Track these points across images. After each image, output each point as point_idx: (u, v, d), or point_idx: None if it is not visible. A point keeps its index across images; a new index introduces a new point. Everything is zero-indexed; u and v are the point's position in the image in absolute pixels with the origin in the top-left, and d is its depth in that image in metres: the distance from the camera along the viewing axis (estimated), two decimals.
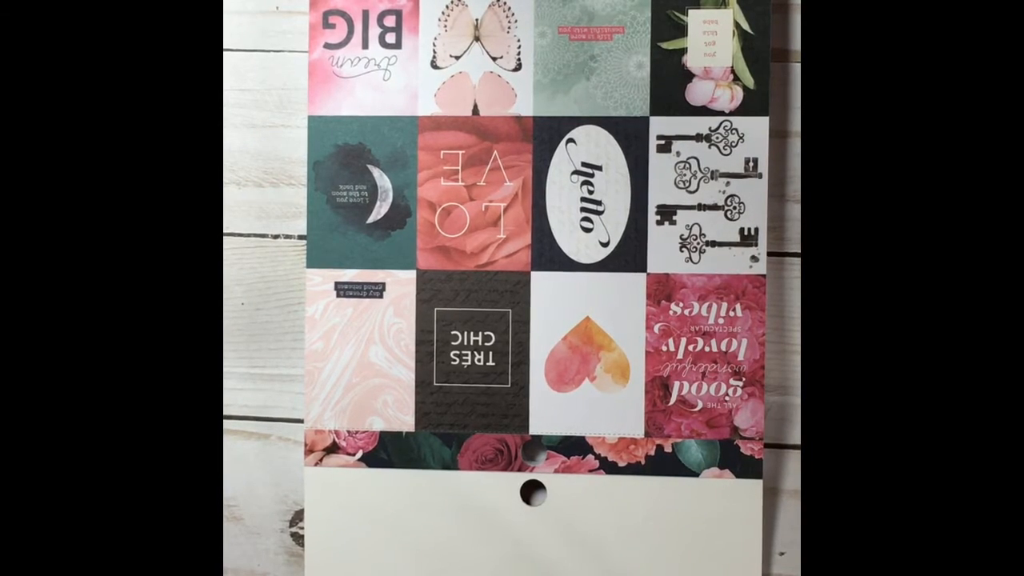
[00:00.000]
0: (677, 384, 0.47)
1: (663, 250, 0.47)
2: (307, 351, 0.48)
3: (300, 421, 0.50)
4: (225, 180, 0.50)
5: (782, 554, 0.49)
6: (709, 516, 0.47)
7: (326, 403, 0.48)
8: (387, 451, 0.48)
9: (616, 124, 0.47)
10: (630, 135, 0.47)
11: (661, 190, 0.47)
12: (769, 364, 0.48)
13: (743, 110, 0.46)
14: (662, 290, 0.47)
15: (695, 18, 0.46)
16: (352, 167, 0.48)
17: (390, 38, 0.48)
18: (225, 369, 0.50)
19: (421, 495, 0.47)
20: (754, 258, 0.46)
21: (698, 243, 0.47)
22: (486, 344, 0.47)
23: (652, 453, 0.47)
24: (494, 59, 0.47)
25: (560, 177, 0.47)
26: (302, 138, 0.49)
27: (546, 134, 0.47)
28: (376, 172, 0.48)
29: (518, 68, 0.47)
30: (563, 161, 0.47)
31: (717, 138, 0.46)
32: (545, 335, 0.47)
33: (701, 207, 0.47)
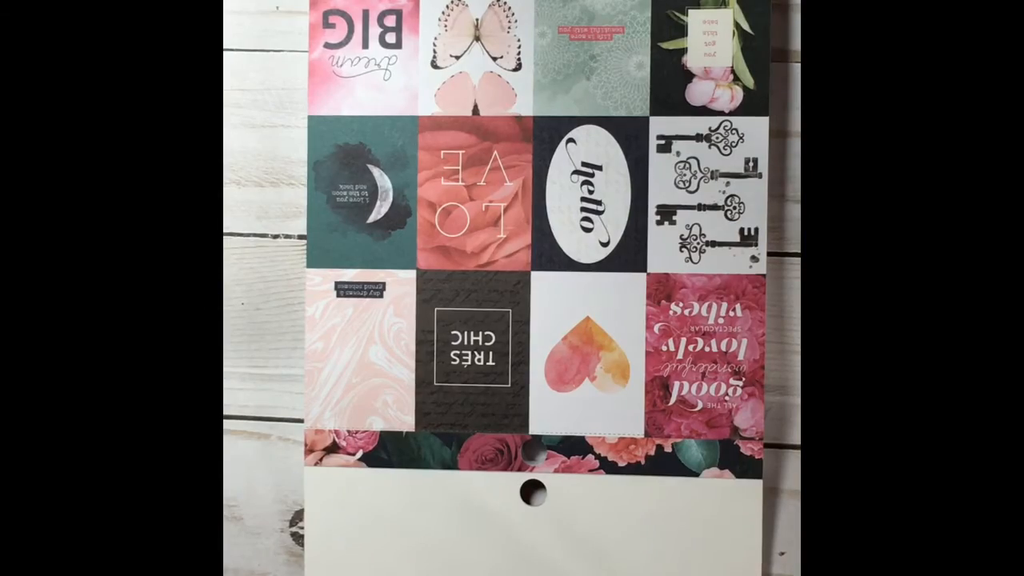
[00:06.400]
0: (677, 384, 0.47)
1: (663, 250, 0.47)
2: (307, 351, 0.48)
3: (300, 421, 0.50)
4: (225, 180, 0.50)
5: (782, 554, 0.49)
6: (709, 516, 0.47)
7: (326, 403, 0.48)
8: (387, 451, 0.48)
9: (616, 124, 0.47)
10: (630, 135, 0.47)
11: (661, 190, 0.47)
12: (769, 364, 0.48)
13: (743, 110, 0.46)
14: (662, 290, 0.47)
15: (695, 18, 0.46)
16: (352, 167, 0.48)
17: (390, 38, 0.48)
18: (225, 369, 0.50)
19: (421, 495, 0.47)
20: (754, 258, 0.46)
21: (698, 243, 0.47)
22: (486, 344, 0.47)
23: (652, 453, 0.47)
24: (494, 59, 0.47)
25: (560, 177, 0.47)
26: (302, 138, 0.49)
27: (546, 134, 0.47)
28: (376, 172, 0.48)
29: (518, 68, 0.47)
30: (563, 161, 0.47)
31: (717, 138, 0.46)
32: (545, 335, 0.47)
33: (701, 207, 0.47)
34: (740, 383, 0.47)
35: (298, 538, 0.50)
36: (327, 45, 0.48)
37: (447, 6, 0.47)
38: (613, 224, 0.47)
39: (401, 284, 0.48)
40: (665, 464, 0.47)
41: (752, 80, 0.46)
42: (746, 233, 0.46)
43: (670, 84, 0.47)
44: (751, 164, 0.46)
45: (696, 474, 0.47)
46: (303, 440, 0.49)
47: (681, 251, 0.47)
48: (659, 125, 0.47)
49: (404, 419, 0.48)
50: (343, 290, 0.48)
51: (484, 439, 0.47)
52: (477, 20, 0.47)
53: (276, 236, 0.50)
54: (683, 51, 0.46)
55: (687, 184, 0.47)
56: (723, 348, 0.47)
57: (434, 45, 0.47)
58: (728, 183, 0.47)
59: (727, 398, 0.47)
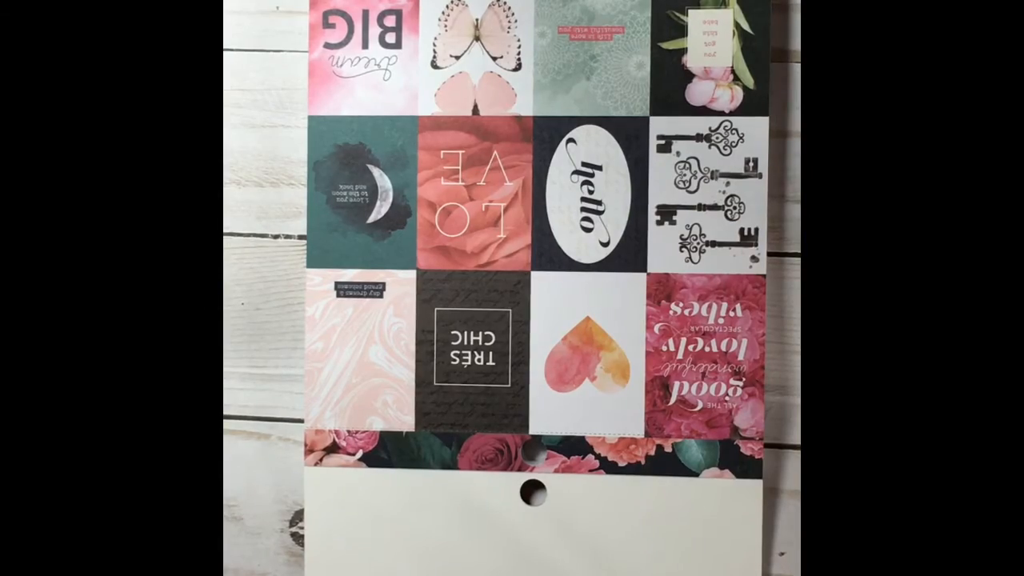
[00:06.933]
0: (677, 384, 0.47)
1: (663, 250, 0.47)
2: (307, 351, 0.48)
3: (300, 421, 0.50)
4: (225, 180, 0.50)
5: (782, 554, 0.49)
6: (709, 516, 0.47)
7: (326, 403, 0.48)
8: (387, 451, 0.48)
9: (616, 124, 0.47)
10: (630, 135, 0.47)
11: (661, 190, 0.47)
12: (769, 364, 0.48)
13: (743, 110, 0.46)
14: (662, 290, 0.47)
15: (695, 18, 0.46)
16: (352, 167, 0.48)
17: (390, 38, 0.48)
18: (225, 369, 0.50)
19: (421, 495, 0.47)
20: (754, 258, 0.46)
21: (698, 243, 0.47)
22: (486, 344, 0.47)
23: (652, 453, 0.47)
24: (494, 59, 0.47)
25: (560, 177, 0.47)
26: (302, 138, 0.49)
27: (546, 134, 0.47)
28: (376, 172, 0.48)
29: (518, 68, 0.47)
30: (563, 161, 0.47)
31: (717, 138, 0.46)
32: (545, 335, 0.47)
33: (701, 207, 0.47)
34: (740, 383, 0.47)
35: (298, 538, 0.50)
36: (327, 45, 0.48)
37: (447, 6, 0.47)
38: (613, 224, 0.47)
39: (401, 284, 0.48)
40: (665, 464, 0.47)
41: (752, 80, 0.46)
42: (746, 233, 0.46)
43: (670, 84, 0.47)
44: (751, 164, 0.46)
45: (696, 474, 0.47)
46: (303, 440, 0.49)
47: (681, 251, 0.47)
48: (659, 125, 0.47)
49: (404, 419, 0.48)
50: (343, 290, 0.48)
51: (484, 439, 0.47)
52: (477, 20, 0.47)
53: (276, 236, 0.50)
54: (683, 51, 0.46)
55: (687, 184, 0.47)
56: (723, 348, 0.47)
57: (434, 45, 0.47)
58: (728, 183, 0.47)
59: (727, 398, 0.47)
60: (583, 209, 0.47)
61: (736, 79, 0.46)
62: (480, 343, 0.47)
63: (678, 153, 0.47)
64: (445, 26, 0.47)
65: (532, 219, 0.47)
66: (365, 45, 0.48)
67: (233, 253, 0.50)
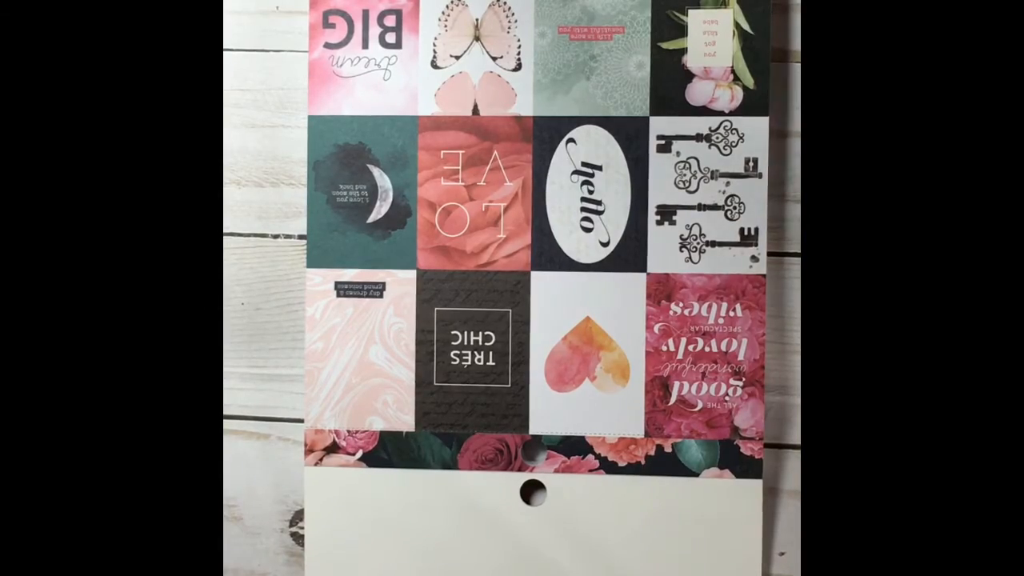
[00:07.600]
0: (677, 384, 0.47)
1: (663, 250, 0.47)
2: (307, 351, 0.48)
3: (300, 421, 0.50)
4: (225, 180, 0.50)
5: (782, 554, 0.49)
6: (709, 516, 0.47)
7: (326, 403, 0.48)
8: (387, 451, 0.48)
9: (616, 124, 0.47)
10: (630, 135, 0.47)
11: (661, 190, 0.47)
12: (769, 364, 0.48)
13: (743, 110, 0.46)
14: (662, 290, 0.47)
15: (695, 18, 0.46)
16: (352, 167, 0.48)
17: (390, 38, 0.48)
18: (225, 369, 0.50)
19: (421, 495, 0.47)
20: (754, 258, 0.46)
21: (698, 243, 0.47)
22: (486, 344, 0.47)
23: (652, 453, 0.47)
24: (494, 59, 0.47)
25: (560, 177, 0.47)
26: (302, 138, 0.49)
27: (546, 134, 0.47)
28: (376, 172, 0.48)
29: (518, 68, 0.47)
30: (563, 161, 0.47)
31: (717, 138, 0.46)
32: (545, 335, 0.47)
33: (701, 207, 0.47)
34: (740, 383, 0.47)
35: (298, 538, 0.50)
36: (327, 45, 0.48)
37: (447, 6, 0.47)
38: (613, 224, 0.47)
39: (401, 284, 0.48)
40: (665, 464, 0.47)
41: (752, 80, 0.46)
42: (746, 233, 0.46)
43: (670, 84, 0.47)
44: (751, 164, 0.46)
45: (696, 474, 0.47)
46: (303, 440, 0.49)
47: (681, 251, 0.47)
48: (659, 125, 0.47)
49: (404, 419, 0.48)
50: (343, 290, 0.48)
51: (484, 439, 0.47)
52: (477, 20, 0.47)
53: (276, 236, 0.50)
54: (683, 51, 0.46)
55: (687, 184, 0.47)
56: (723, 348, 0.47)
57: (434, 45, 0.47)
58: (728, 183, 0.47)
59: (727, 398, 0.47)
60: (583, 209, 0.47)
61: (736, 79, 0.46)
62: (480, 343, 0.47)
63: (678, 153, 0.47)
64: (445, 26, 0.47)
65: (532, 219, 0.47)
66: (365, 45, 0.48)
67: (233, 253, 0.50)
